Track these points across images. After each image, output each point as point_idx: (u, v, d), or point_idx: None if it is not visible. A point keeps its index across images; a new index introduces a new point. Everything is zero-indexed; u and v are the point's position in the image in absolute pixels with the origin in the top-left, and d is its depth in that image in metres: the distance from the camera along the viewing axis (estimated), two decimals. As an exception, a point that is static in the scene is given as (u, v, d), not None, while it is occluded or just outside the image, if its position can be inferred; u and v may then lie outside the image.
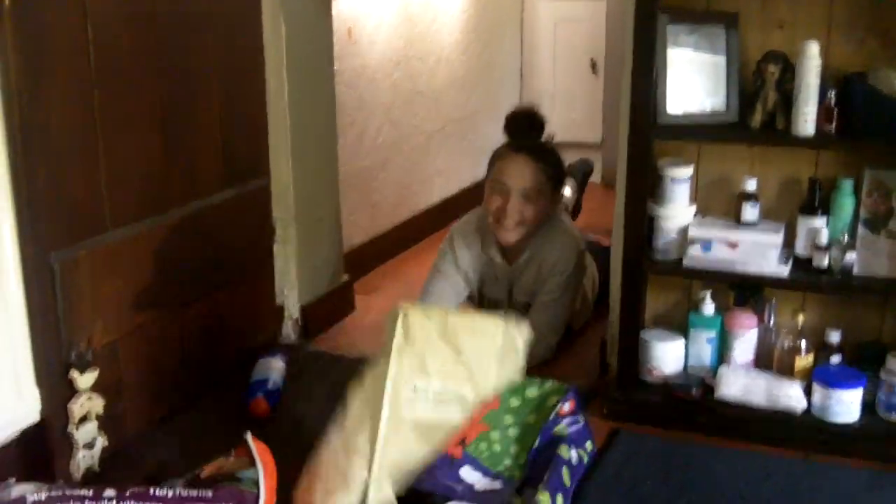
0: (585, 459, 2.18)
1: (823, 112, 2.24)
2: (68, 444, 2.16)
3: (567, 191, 3.78)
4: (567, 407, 2.19)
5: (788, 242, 2.39)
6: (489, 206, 2.82)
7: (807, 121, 2.24)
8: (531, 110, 2.92)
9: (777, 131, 2.31)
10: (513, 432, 2.17)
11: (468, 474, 2.07)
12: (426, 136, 4.13)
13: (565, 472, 2.06)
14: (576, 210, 3.95)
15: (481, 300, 3.02)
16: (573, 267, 2.87)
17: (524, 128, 2.85)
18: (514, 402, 2.21)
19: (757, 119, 2.33)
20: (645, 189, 2.39)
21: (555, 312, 2.84)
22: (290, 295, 3.00)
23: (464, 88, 4.42)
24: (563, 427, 2.17)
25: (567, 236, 2.91)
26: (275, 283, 2.97)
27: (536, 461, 2.10)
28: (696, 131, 2.40)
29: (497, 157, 2.84)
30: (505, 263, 2.91)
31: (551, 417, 2.15)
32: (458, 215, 4.25)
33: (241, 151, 2.74)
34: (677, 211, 2.42)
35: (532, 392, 2.23)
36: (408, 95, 3.94)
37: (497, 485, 2.07)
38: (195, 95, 2.52)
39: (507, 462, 2.13)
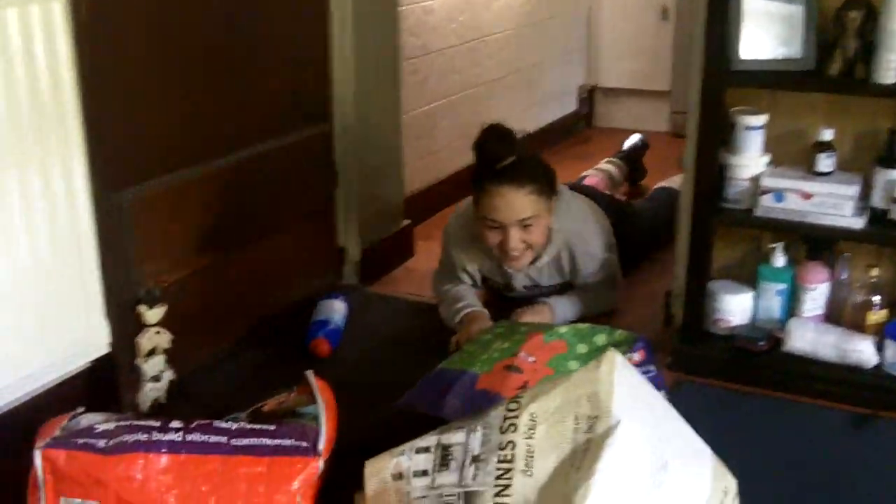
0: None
1: (907, 60, 2.17)
2: (136, 377, 2.20)
3: (614, 170, 3.70)
4: (637, 357, 2.14)
5: (864, 195, 2.33)
6: (487, 242, 2.57)
7: (889, 69, 2.17)
8: (497, 127, 2.59)
9: (856, 80, 2.24)
10: None
11: None
12: (489, 85, 4.09)
13: None
14: (634, 178, 3.88)
15: (492, 288, 2.87)
16: (605, 251, 2.76)
17: (496, 151, 2.51)
18: (582, 348, 2.17)
19: (835, 67, 2.26)
20: (717, 137, 2.34)
21: (603, 281, 2.76)
22: (351, 238, 3.00)
23: (529, 37, 4.36)
24: None
25: (588, 224, 2.75)
26: (336, 226, 2.98)
27: None
28: (771, 78, 2.34)
29: (479, 192, 2.52)
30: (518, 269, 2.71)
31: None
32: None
33: (305, 96, 2.74)
34: (750, 160, 2.37)
35: (600, 339, 2.19)
36: (472, 43, 3.90)
37: None
38: (260, 39, 2.52)
39: None
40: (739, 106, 2.40)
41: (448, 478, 1.59)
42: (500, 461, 1.55)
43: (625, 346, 2.16)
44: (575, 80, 4.92)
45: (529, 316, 2.59)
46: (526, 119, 4.43)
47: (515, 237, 2.51)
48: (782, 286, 2.45)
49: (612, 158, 3.82)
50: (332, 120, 2.88)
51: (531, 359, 2.12)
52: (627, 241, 2.93)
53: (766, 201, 2.34)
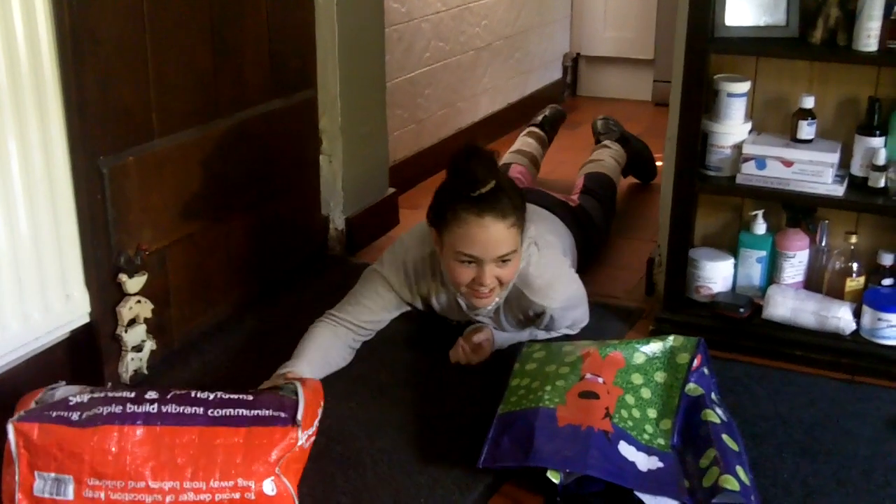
0: (726, 414, 2.01)
1: (888, 28, 2.17)
2: (117, 347, 2.20)
3: (534, 146, 3.45)
4: (694, 362, 2.04)
5: (844, 163, 2.34)
6: (456, 278, 2.20)
7: (870, 36, 2.17)
8: (477, 149, 2.22)
9: (838, 48, 2.25)
10: (646, 394, 1.99)
11: (627, 451, 1.85)
12: (474, 53, 4.07)
13: (727, 440, 1.88)
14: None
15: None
16: (576, 295, 2.42)
17: (476, 174, 2.13)
18: (639, 358, 2.05)
19: (817, 35, 2.27)
20: (700, 104, 2.34)
21: (572, 314, 2.43)
22: (336, 207, 3.00)
23: (513, 4, 4.34)
24: (694, 386, 2.00)
25: (560, 279, 2.37)
26: (320, 194, 2.97)
27: (683, 429, 1.94)
28: (754, 45, 2.34)
29: (451, 221, 2.14)
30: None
31: (687, 377, 2.00)
32: (504, 132, 4.26)
33: (289, 62, 2.72)
34: (732, 127, 2.37)
35: (655, 347, 2.07)
36: (456, 11, 3.88)
37: (656, 462, 1.86)
38: (244, 5, 2.49)
39: (650, 430, 1.93)
40: (723, 73, 2.40)
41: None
42: None
43: (685, 353, 2.04)
44: (559, 48, 4.91)
45: (477, 335, 2.34)
46: (511, 87, 4.43)
47: (490, 274, 2.15)
48: (762, 253, 2.46)
49: (531, 128, 3.58)
50: (317, 87, 2.86)
51: (600, 379, 1.99)
52: (587, 244, 2.75)
53: (748, 169, 2.34)
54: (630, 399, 1.97)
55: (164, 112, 2.26)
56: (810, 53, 2.32)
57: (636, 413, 1.95)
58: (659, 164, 3.32)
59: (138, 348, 2.23)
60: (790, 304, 2.38)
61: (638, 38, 4.85)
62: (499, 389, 2.12)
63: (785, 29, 2.33)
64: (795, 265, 2.43)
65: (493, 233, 2.11)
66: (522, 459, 1.83)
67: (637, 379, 2.01)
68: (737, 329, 2.43)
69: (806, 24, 2.30)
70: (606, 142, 3.47)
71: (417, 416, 2.12)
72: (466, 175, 2.14)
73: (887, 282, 2.36)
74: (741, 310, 2.43)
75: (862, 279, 2.38)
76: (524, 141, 3.49)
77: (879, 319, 2.30)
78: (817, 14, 2.26)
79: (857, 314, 2.35)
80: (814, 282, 2.46)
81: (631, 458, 1.84)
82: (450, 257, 2.18)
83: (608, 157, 3.33)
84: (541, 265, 2.29)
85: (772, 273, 2.47)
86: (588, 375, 1.99)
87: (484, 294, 2.19)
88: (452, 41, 3.89)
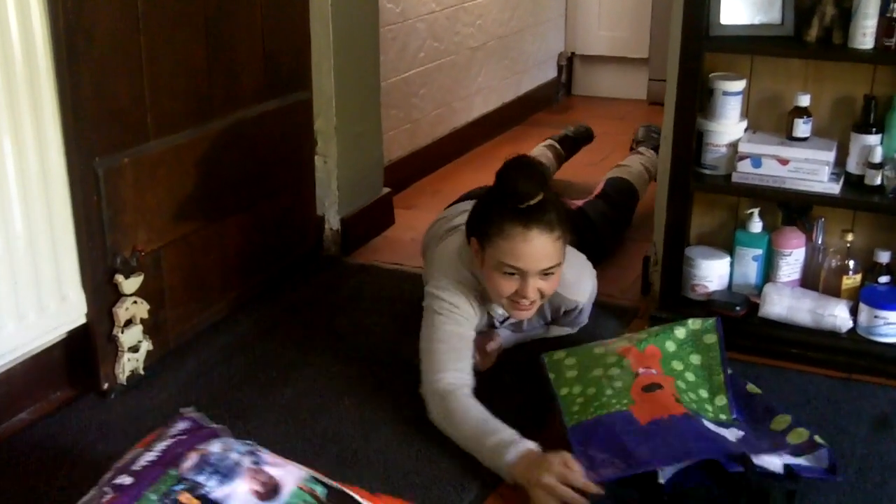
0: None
1: (883, 25, 2.17)
2: (113, 348, 2.19)
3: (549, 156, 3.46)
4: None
5: (840, 161, 2.34)
6: (498, 289, 2.13)
7: (865, 34, 2.18)
8: (526, 160, 2.22)
9: (834, 46, 2.25)
10: (690, 377, 2.06)
11: (715, 428, 1.91)
12: (468, 53, 4.07)
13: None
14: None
15: None
16: (593, 293, 2.44)
17: (524, 188, 2.07)
18: (671, 346, 2.11)
19: (813, 34, 2.27)
20: (695, 103, 2.35)
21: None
22: (331, 207, 2.99)
23: (507, 4, 4.33)
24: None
25: (583, 276, 2.39)
26: (315, 194, 2.97)
27: (737, 402, 2.04)
28: (749, 44, 2.34)
29: (498, 233, 2.08)
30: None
31: (723, 355, 2.09)
32: (498, 132, 4.26)
33: (284, 63, 2.72)
34: (728, 126, 2.38)
35: (680, 332, 2.13)
36: (451, 11, 3.87)
37: (736, 432, 1.94)
38: (238, 4, 2.49)
39: (710, 408, 2.01)
40: (717, 72, 2.40)
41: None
42: None
43: (711, 334, 2.13)
44: (554, 47, 4.91)
45: (490, 344, 2.33)
46: (505, 87, 4.43)
47: (533, 287, 2.11)
48: (758, 252, 2.46)
49: (551, 141, 3.57)
50: (312, 88, 2.86)
51: (653, 371, 2.03)
52: (580, 248, 2.53)
53: (744, 167, 2.34)
54: (681, 384, 2.01)
55: (158, 113, 2.26)
56: (806, 52, 2.31)
57: (692, 396, 2.00)
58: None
59: (135, 349, 2.23)
60: (786, 303, 2.38)
61: (632, 36, 4.85)
62: (493, 385, 2.14)
63: (780, 27, 2.33)
64: (792, 263, 2.43)
65: (538, 246, 2.07)
66: (625, 469, 1.79)
67: (678, 365, 2.07)
68: (733, 327, 2.40)
69: (801, 23, 2.30)
70: (641, 148, 3.43)
71: (413, 416, 2.11)
72: (514, 187, 2.08)
73: (884, 279, 2.36)
74: (737, 308, 2.43)
75: (858, 277, 2.38)
76: (541, 151, 3.48)
77: (876, 317, 2.30)
78: (812, 12, 2.26)
79: (854, 312, 2.35)
80: (810, 280, 2.46)
81: (723, 433, 1.89)
82: (492, 268, 2.12)
83: (637, 164, 3.30)
84: (568, 261, 2.23)
85: (768, 271, 2.47)
86: (641, 370, 2.01)
87: (525, 306, 2.15)
88: (447, 41, 3.89)
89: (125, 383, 2.21)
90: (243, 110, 2.56)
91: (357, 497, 1.61)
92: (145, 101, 2.22)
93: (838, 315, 2.34)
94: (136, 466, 1.57)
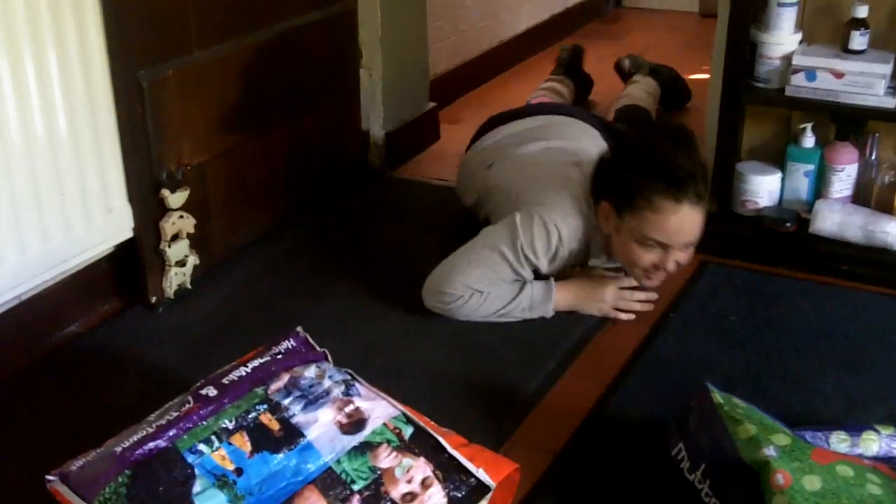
0: None
1: (948, -70, 2.09)
2: (160, 262, 2.21)
3: (560, 87, 3.29)
4: None
5: (897, 74, 2.28)
6: (636, 259, 2.08)
7: (929, -60, 2.09)
8: (681, 132, 2.16)
9: (895, -48, 2.17)
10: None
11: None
12: (515, -38, 3.99)
13: None
14: (581, 93, 3.42)
15: None
16: None
17: (679, 162, 2.01)
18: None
19: (873, -61, 2.19)
20: (748, 14, 2.28)
21: None
22: (375, 121, 2.97)
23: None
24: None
25: None
26: (360, 108, 2.95)
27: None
28: (807, -49, 2.27)
29: (646, 206, 2.01)
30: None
31: None
32: (546, 44, 4.18)
33: (327, -28, 2.67)
34: (782, 37, 2.31)
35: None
36: (498, -83, 3.79)
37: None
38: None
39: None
40: (773, -19, 2.33)
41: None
42: None
43: None
44: (605, -44, 4.79)
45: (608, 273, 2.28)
46: (553, -2, 4.34)
47: (674, 259, 2.07)
48: (810, 167, 2.41)
49: (552, 76, 3.40)
50: (356, -3, 2.82)
51: None
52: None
53: (797, 80, 2.29)
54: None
55: (202, 24, 2.24)
56: (865, -41, 2.24)
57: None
58: (703, 76, 3.23)
59: (181, 263, 2.25)
60: (837, 219, 2.34)
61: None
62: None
63: (839, -66, 2.25)
64: (844, 179, 2.38)
65: (687, 220, 2.02)
66: None
67: None
68: (782, 243, 2.39)
69: (861, -71, 2.22)
70: (636, 77, 3.34)
71: (459, 329, 2.12)
72: (670, 161, 2.01)
73: (938, 206, 2.31)
74: (787, 224, 2.39)
75: (912, 193, 2.34)
76: (551, 85, 3.31)
77: (929, 235, 2.25)
78: (872, -82, 2.18)
79: (906, 229, 2.31)
80: (862, 196, 2.41)
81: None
82: (630, 238, 2.06)
83: (639, 91, 3.21)
84: None
85: (819, 187, 2.42)
86: None
87: (659, 277, 2.12)
88: (494, -51, 3.81)
89: (172, 297, 2.24)
90: (287, 21, 2.53)
91: (442, 441, 1.54)
92: (188, 11, 2.20)
93: (890, 231, 2.30)
94: (226, 380, 1.57)
